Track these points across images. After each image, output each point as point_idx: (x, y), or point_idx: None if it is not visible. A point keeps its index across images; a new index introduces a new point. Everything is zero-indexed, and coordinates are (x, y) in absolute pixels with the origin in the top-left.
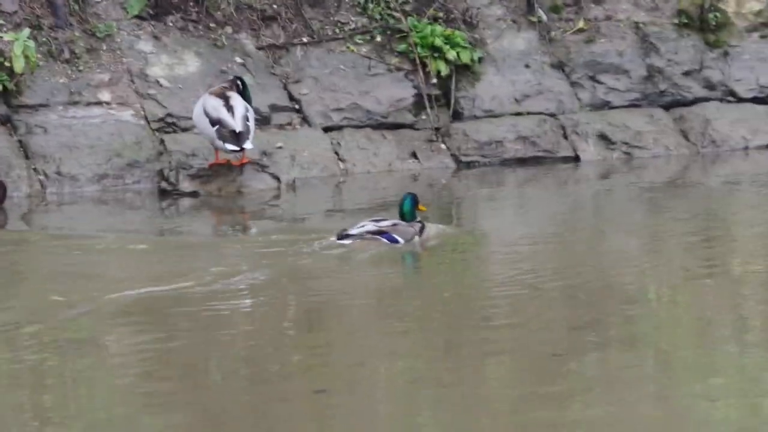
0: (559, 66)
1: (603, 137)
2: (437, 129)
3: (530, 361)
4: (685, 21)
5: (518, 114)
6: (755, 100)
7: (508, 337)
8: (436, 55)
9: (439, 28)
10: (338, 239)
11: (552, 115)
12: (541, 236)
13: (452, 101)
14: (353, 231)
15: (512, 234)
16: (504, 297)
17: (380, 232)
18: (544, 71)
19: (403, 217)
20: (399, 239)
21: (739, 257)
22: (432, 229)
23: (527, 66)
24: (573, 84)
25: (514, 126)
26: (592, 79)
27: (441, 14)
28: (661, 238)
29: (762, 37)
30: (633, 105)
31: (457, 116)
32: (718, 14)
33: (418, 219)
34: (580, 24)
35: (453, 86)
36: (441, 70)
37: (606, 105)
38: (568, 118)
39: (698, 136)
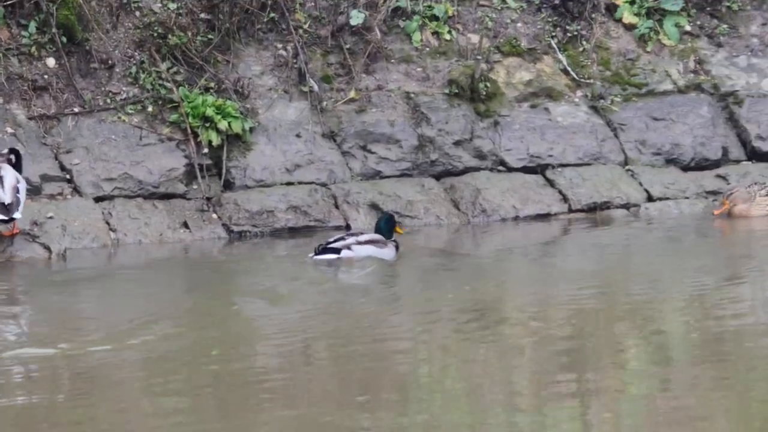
0: (331, 136)
1: (374, 206)
2: (209, 199)
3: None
4: (456, 91)
5: (290, 184)
6: (525, 170)
7: (286, 414)
8: (207, 125)
9: (210, 98)
10: (315, 254)
11: (323, 185)
12: (312, 305)
13: (224, 171)
14: (335, 245)
15: (285, 303)
16: (278, 368)
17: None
18: (316, 141)
19: (380, 234)
20: (378, 251)
21: (508, 326)
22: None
23: (299, 136)
24: (344, 154)
25: (286, 196)
26: (364, 148)
27: (212, 84)
28: (431, 306)
29: (532, 106)
30: (404, 174)
31: (228, 186)
32: (488, 84)
33: (393, 239)
34: (352, 94)
35: (224, 156)
36: (212, 140)
37: (377, 174)
38: (340, 187)
39: (469, 205)
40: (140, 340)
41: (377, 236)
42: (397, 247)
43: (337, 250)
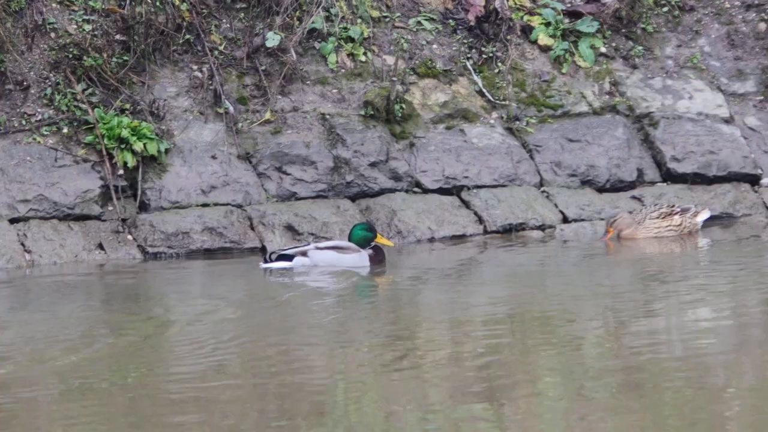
0: (246, 157)
1: (290, 228)
2: (124, 220)
3: None
4: (372, 112)
5: (205, 205)
6: (441, 191)
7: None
8: (123, 146)
9: (126, 120)
10: (265, 262)
11: (239, 207)
12: (223, 327)
13: (139, 193)
14: (289, 251)
15: (200, 324)
16: (194, 388)
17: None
18: (231, 162)
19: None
20: (341, 258)
21: (425, 350)
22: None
23: (214, 157)
24: (260, 175)
25: (201, 217)
26: (279, 170)
27: (128, 106)
28: (345, 328)
29: (447, 128)
30: (320, 196)
31: (144, 207)
32: (404, 106)
33: (371, 248)
34: (267, 115)
35: (140, 178)
36: (128, 161)
37: (293, 196)
38: (255, 209)
39: (384, 227)
40: (52, 363)
41: (344, 243)
42: (375, 258)
43: (290, 258)
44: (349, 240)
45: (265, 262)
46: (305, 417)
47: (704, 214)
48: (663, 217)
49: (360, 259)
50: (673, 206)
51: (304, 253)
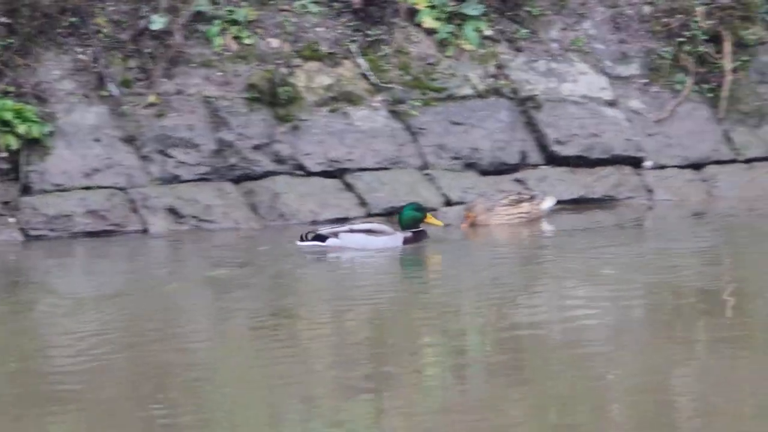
0: (130, 140)
1: (172, 211)
2: (6, 203)
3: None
4: (256, 95)
5: (88, 188)
6: (324, 174)
7: (75, 417)
8: (6, 129)
9: (9, 102)
10: (301, 241)
11: (122, 189)
12: (106, 309)
13: (22, 175)
14: (324, 232)
15: (83, 310)
16: (71, 371)
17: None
18: (115, 145)
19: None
20: (370, 241)
21: (307, 332)
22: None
23: (97, 140)
24: (143, 158)
25: (84, 200)
26: (162, 153)
27: (12, 88)
28: (226, 315)
29: (331, 111)
30: (203, 179)
31: (26, 190)
32: (288, 88)
33: (414, 230)
34: (151, 98)
35: (23, 160)
36: (11, 144)
37: (176, 179)
38: (138, 192)
39: (267, 209)
40: None
41: (378, 225)
42: (414, 239)
43: (324, 238)
44: (399, 220)
45: (301, 240)
46: (188, 402)
47: (549, 202)
48: (513, 205)
49: (390, 241)
50: (520, 193)
51: (336, 234)
